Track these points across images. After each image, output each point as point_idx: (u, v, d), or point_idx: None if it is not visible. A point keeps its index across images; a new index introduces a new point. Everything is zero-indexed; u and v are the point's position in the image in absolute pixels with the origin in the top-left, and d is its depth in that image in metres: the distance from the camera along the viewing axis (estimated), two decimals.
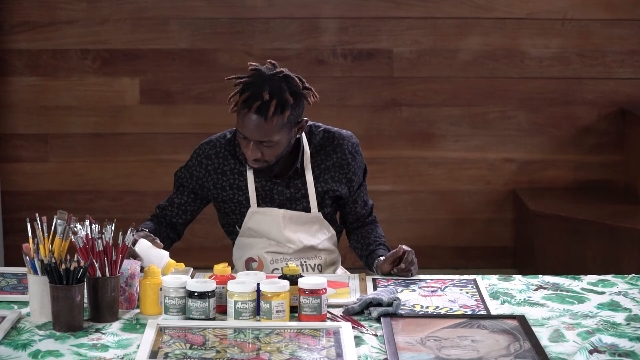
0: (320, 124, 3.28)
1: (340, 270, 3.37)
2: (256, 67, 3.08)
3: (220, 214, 3.30)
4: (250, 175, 3.20)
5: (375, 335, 2.57)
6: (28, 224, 2.69)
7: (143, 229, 3.09)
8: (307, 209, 3.23)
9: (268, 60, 3.12)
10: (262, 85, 3.01)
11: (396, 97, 5.41)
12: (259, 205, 3.21)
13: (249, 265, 3.27)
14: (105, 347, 2.48)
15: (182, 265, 2.89)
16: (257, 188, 3.20)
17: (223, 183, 3.22)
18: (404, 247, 3.09)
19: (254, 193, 3.20)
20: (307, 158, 3.20)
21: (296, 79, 3.06)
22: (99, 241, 2.65)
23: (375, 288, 2.93)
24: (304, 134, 3.21)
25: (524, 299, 2.87)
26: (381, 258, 3.15)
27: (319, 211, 3.24)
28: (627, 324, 2.66)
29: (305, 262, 3.25)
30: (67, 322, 2.57)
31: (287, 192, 3.20)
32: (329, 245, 3.29)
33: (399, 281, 3.02)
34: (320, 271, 3.26)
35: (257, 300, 2.64)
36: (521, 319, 2.66)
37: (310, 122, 3.24)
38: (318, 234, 3.26)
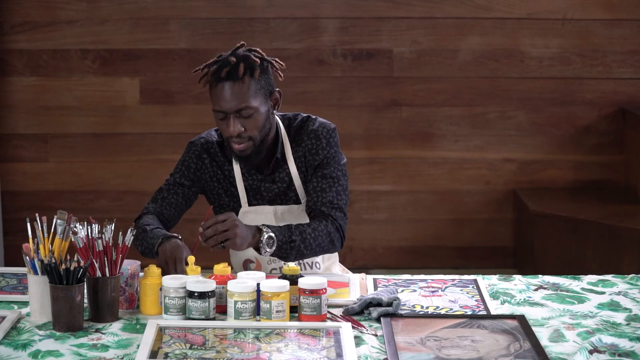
0: (303, 114, 3.28)
1: (339, 268, 3.36)
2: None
3: (215, 209, 3.29)
4: (238, 174, 3.20)
5: (375, 335, 2.57)
6: (28, 224, 2.69)
7: (169, 234, 3.03)
8: (297, 201, 3.22)
9: None
10: (226, 57, 3.09)
11: (396, 97, 5.41)
12: (250, 204, 3.21)
13: (247, 266, 3.26)
14: (105, 347, 2.48)
15: (199, 269, 2.83)
16: (245, 187, 3.21)
17: (218, 176, 3.24)
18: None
19: (243, 192, 3.21)
20: (287, 148, 3.20)
21: (258, 49, 3.14)
22: (99, 241, 2.65)
23: (375, 288, 2.93)
24: (282, 125, 3.21)
25: (524, 299, 2.87)
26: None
27: None
28: (627, 324, 2.66)
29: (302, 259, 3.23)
30: (67, 322, 2.57)
31: (274, 187, 3.19)
32: None
33: (400, 281, 3.02)
34: (319, 268, 3.26)
35: (257, 300, 2.64)
36: (521, 319, 2.66)
37: (291, 114, 3.26)
38: None
